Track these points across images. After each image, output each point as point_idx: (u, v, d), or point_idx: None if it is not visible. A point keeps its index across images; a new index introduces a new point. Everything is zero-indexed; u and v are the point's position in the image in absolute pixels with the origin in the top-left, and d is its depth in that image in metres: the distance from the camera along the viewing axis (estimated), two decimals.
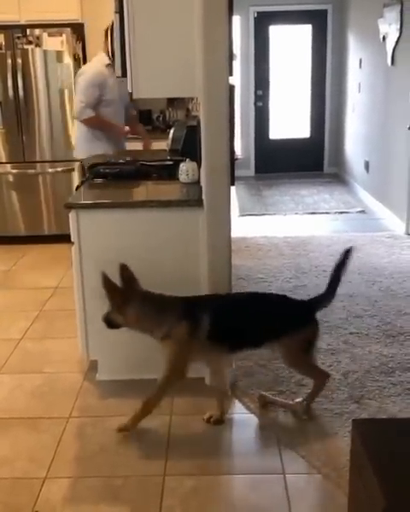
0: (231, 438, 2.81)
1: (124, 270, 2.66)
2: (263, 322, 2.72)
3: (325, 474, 2.43)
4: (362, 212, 6.62)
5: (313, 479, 2.44)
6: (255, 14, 8.29)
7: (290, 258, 5.06)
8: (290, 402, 2.88)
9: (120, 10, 3.22)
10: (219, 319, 2.66)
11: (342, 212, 6.62)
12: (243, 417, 2.87)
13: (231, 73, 2.90)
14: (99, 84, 4.58)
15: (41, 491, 2.37)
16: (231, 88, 2.91)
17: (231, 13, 2.86)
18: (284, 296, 2.94)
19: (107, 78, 4.58)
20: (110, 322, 2.71)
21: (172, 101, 5.97)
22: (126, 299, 2.64)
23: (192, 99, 5.58)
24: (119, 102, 4.75)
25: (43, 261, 5.10)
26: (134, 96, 2.98)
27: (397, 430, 1.90)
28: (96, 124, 4.74)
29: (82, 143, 4.87)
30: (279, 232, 5.80)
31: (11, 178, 5.55)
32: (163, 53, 2.89)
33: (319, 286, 4.38)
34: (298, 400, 2.86)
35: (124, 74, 3.21)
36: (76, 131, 5.00)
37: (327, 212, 6.64)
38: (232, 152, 2.98)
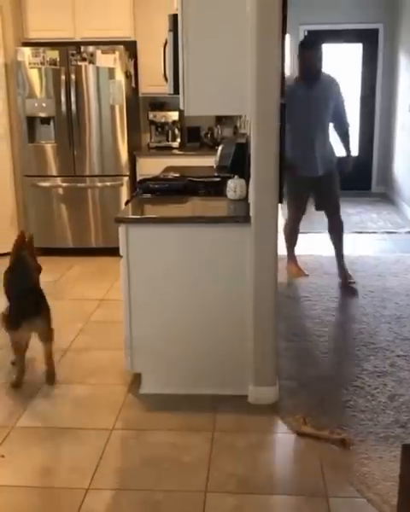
0: (273, 457, 2.79)
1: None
2: None
3: (369, 499, 2.38)
4: None
5: (357, 503, 2.39)
6: (306, 33, 8.31)
7: (336, 277, 5.01)
8: (327, 434, 2.77)
9: (174, 28, 3.27)
10: None
11: (389, 232, 6.53)
12: (286, 437, 2.84)
13: (282, 92, 2.92)
14: None
15: (83, 502, 2.38)
16: (282, 106, 2.93)
17: (284, 32, 2.88)
18: None
19: None
20: None
21: (220, 119, 6.01)
22: None
23: (240, 117, 5.61)
24: None
25: (89, 273, 5.17)
26: (186, 114, 3.02)
27: None
28: None
29: None
30: (325, 251, 5.76)
31: (61, 191, 5.66)
32: (215, 71, 2.93)
33: (364, 306, 4.35)
34: (336, 432, 2.75)
35: (176, 91, 3.26)
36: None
37: (374, 232, 6.57)
38: (281, 169, 2.99)
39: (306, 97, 4.57)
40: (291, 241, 5.13)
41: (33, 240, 3.59)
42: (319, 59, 4.70)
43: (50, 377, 3.33)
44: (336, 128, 4.90)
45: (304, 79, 4.63)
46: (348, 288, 4.74)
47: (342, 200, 5.35)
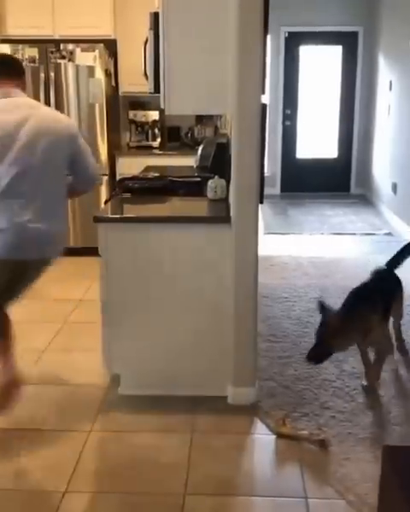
0: (252, 458, 2.77)
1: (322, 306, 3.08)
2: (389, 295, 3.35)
3: (349, 500, 2.38)
4: (389, 234, 6.58)
5: (336, 504, 2.38)
6: (286, 34, 8.35)
7: (315, 278, 5.02)
8: (306, 434, 2.77)
9: (155, 27, 3.25)
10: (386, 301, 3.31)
11: (368, 234, 6.57)
12: (265, 438, 2.83)
13: (263, 92, 2.91)
14: None
15: (60, 505, 2.35)
16: (263, 106, 2.92)
17: (265, 32, 2.87)
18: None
19: None
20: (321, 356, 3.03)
21: (200, 119, 6.00)
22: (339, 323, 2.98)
23: (221, 116, 5.60)
24: None
25: (68, 273, 5.11)
26: (166, 113, 3.00)
27: None
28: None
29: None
30: (304, 252, 5.78)
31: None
32: (196, 70, 2.91)
33: None
34: (315, 433, 2.76)
35: (156, 90, 3.24)
36: (62, 206, 2.95)
37: (353, 234, 6.60)
38: (262, 170, 2.98)
39: None
40: None
41: None
42: None
43: None
44: None
45: None
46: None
47: (321, 202, 5.38)
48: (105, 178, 5.51)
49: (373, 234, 6.60)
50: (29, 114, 2.78)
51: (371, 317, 3.07)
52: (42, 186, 2.76)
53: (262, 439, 2.85)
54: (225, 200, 3.22)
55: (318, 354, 3.01)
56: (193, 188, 3.63)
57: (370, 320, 3.06)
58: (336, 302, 4.45)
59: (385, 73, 7.60)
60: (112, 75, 5.69)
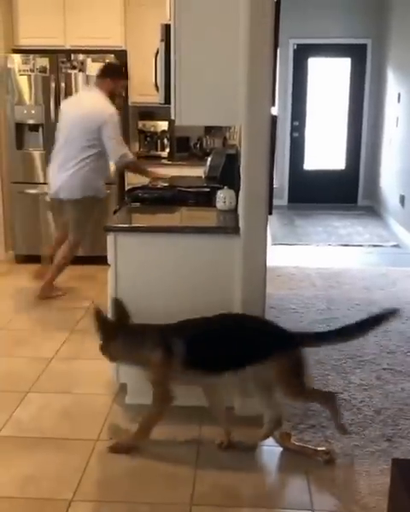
0: (259, 470, 2.76)
1: (117, 305, 2.74)
2: (238, 347, 2.65)
3: None
4: (396, 246, 6.57)
5: None
6: (295, 46, 8.39)
7: (323, 289, 5.02)
8: (312, 448, 2.75)
9: (166, 38, 3.28)
10: (193, 345, 2.65)
11: (375, 246, 6.57)
12: (272, 450, 2.82)
13: (273, 104, 2.93)
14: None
15: None
16: (273, 118, 2.93)
17: (276, 44, 2.89)
18: (266, 322, 2.84)
19: None
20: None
21: (209, 129, 6.02)
22: (113, 334, 2.70)
23: (229, 127, 5.63)
24: None
25: (76, 281, 5.13)
26: (177, 123, 3.02)
27: None
28: (137, 168, 4.83)
29: (85, 182, 4.55)
30: (312, 263, 5.78)
31: (48, 199, 5.62)
32: (207, 81, 2.93)
33: (350, 318, 4.35)
34: (321, 449, 2.73)
35: (167, 101, 3.27)
36: (75, 170, 4.49)
37: (360, 245, 6.60)
38: (271, 181, 2.99)
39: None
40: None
41: None
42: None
43: None
44: None
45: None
46: None
47: (328, 213, 5.40)
48: (114, 188, 5.54)
49: (381, 246, 6.59)
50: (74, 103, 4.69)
51: (144, 352, 2.68)
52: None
53: (269, 450, 2.84)
54: (234, 210, 3.23)
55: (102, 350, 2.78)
56: (202, 198, 3.64)
57: (143, 354, 2.69)
58: (343, 313, 4.45)
59: (394, 86, 7.62)
60: None
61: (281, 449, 2.79)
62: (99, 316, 2.69)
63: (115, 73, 4.65)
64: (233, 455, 2.74)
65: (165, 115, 5.40)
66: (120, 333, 2.72)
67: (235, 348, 2.65)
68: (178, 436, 2.88)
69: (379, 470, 2.59)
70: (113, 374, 3.18)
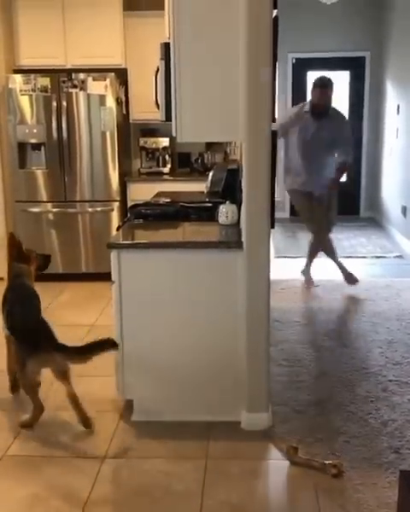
0: (267, 484, 2.76)
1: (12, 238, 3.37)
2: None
3: None
4: (400, 256, 6.57)
5: None
6: (294, 61, 8.45)
7: (326, 301, 5.02)
8: (318, 462, 2.74)
9: (165, 57, 3.31)
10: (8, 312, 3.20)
11: (378, 257, 6.58)
12: (280, 464, 2.81)
13: (273, 120, 2.96)
14: None
15: None
16: (274, 133, 2.96)
17: (275, 60, 2.93)
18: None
19: None
20: None
21: (210, 145, 6.06)
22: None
23: (230, 143, 5.67)
24: None
25: (80, 299, 5.15)
26: (178, 140, 3.04)
27: None
28: None
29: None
30: (315, 275, 5.77)
31: (51, 217, 5.66)
32: (207, 98, 2.95)
33: (355, 331, 4.36)
34: (329, 462, 2.71)
35: (168, 119, 3.29)
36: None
37: (364, 257, 6.60)
38: (273, 194, 3.01)
39: (312, 128, 5.23)
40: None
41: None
42: (330, 98, 5.32)
43: (87, 422, 3.07)
44: (340, 155, 5.45)
45: (312, 114, 5.25)
46: (350, 277, 5.41)
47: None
48: (117, 205, 5.58)
49: (384, 257, 6.60)
50: None
51: None
52: None
53: (277, 464, 2.83)
54: (237, 224, 3.25)
55: None
56: (204, 213, 3.66)
57: None
58: (350, 326, 4.45)
59: (393, 98, 7.66)
60: (123, 103, 5.77)
61: (288, 463, 2.78)
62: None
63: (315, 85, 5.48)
64: (241, 470, 2.74)
65: (166, 132, 5.46)
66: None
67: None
68: (185, 452, 2.88)
69: (387, 482, 2.59)
70: (119, 391, 3.18)
